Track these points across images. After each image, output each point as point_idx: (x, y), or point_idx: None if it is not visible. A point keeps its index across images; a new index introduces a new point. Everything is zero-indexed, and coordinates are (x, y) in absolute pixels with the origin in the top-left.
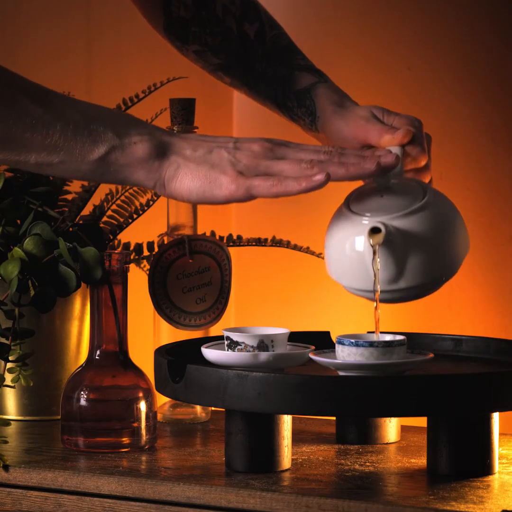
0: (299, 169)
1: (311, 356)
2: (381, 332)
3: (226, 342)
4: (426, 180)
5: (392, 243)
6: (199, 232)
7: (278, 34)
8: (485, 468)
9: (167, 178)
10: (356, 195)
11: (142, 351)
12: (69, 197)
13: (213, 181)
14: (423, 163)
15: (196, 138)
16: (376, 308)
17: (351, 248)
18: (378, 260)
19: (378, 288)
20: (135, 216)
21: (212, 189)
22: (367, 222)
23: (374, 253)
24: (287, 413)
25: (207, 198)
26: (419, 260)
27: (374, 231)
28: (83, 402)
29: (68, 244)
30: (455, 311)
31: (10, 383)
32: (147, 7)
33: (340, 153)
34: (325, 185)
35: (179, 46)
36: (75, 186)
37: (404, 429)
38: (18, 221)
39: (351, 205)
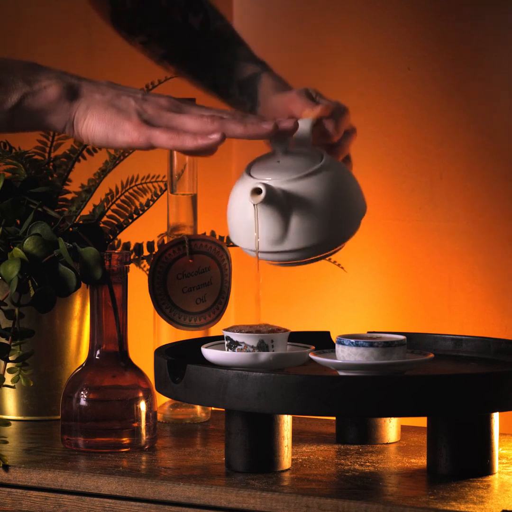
0: (200, 123)
1: (311, 356)
2: (381, 332)
3: (226, 342)
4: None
5: (276, 206)
6: (199, 232)
7: (222, 25)
8: (485, 468)
9: (76, 119)
10: (257, 160)
11: (142, 351)
12: (69, 197)
13: (117, 125)
14: (333, 139)
15: (106, 84)
16: (257, 268)
17: (240, 208)
18: (257, 220)
19: (258, 247)
20: (135, 216)
21: (115, 134)
22: (254, 184)
23: (255, 213)
24: (287, 413)
25: (109, 142)
26: (303, 223)
27: (256, 192)
28: (83, 402)
29: (68, 244)
30: (455, 311)
31: (10, 383)
32: None
33: (242, 115)
34: (221, 143)
35: (126, 37)
36: (75, 186)
37: (404, 429)
38: (18, 221)
39: (251, 169)
